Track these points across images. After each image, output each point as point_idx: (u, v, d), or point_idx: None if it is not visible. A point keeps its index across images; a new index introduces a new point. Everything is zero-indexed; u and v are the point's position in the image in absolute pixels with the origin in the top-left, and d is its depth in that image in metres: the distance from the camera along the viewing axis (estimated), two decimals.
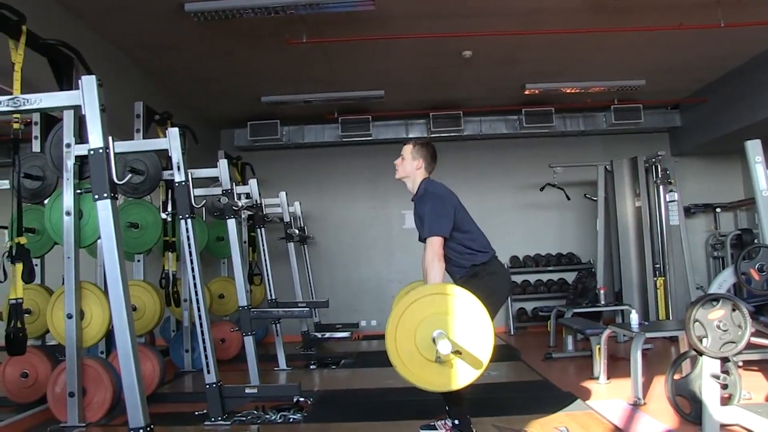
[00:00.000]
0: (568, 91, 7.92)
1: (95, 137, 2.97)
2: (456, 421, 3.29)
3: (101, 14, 5.33)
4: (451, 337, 2.80)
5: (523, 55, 6.86)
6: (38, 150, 4.82)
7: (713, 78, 7.98)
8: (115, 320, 2.89)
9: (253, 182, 6.43)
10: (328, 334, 8.07)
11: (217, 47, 6.25)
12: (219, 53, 6.43)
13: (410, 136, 9.15)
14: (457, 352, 2.78)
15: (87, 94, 3.02)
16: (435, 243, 3.36)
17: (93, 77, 3.05)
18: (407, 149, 3.69)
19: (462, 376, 2.85)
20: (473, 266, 3.49)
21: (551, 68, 7.36)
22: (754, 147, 3.56)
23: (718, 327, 3.35)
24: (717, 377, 3.38)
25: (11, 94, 3.42)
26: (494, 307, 3.26)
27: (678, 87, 8.36)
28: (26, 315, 4.30)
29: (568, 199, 8.79)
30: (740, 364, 4.90)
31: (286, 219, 7.65)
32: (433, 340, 2.77)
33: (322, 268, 9.37)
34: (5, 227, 4.09)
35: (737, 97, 7.58)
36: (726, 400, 3.58)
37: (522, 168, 9.48)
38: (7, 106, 3.08)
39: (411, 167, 3.65)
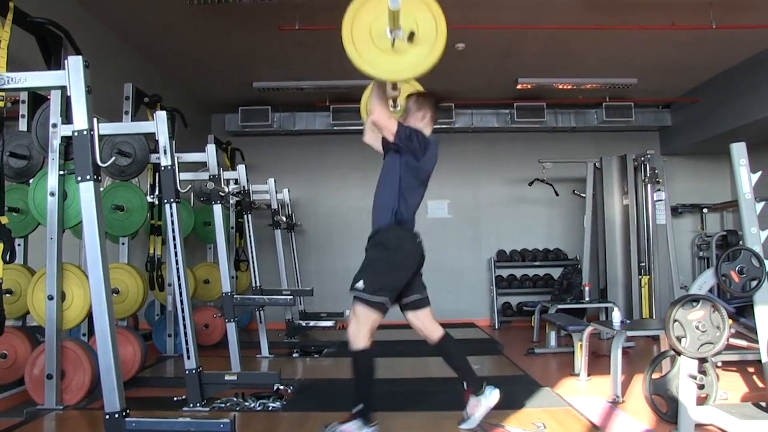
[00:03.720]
0: (561, 86, 7.93)
1: (80, 118, 2.95)
2: (361, 406, 3.29)
3: None
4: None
5: (517, 50, 6.87)
6: (25, 129, 4.77)
7: (705, 79, 8.03)
8: (94, 303, 2.88)
9: (241, 168, 6.40)
10: (312, 323, 8.05)
11: (211, 31, 6.21)
12: (212, 37, 6.39)
13: None
14: (412, 33, 2.88)
15: (73, 74, 3.00)
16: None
17: (79, 58, 3.03)
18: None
19: (413, 66, 2.97)
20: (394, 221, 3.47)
21: (544, 63, 7.35)
22: (738, 149, 3.57)
23: (697, 328, 3.37)
24: (694, 377, 3.41)
25: None
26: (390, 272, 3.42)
27: (670, 86, 8.39)
28: (7, 295, 4.28)
29: (557, 194, 8.84)
30: (719, 364, 4.96)
31: (274, 206, 7.62)
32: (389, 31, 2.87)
33: (309, 257, 9.36)
34: None
35: (728, 98, 7.62)
36: (702, 400, 3.62)
37: (512, 162, 9.49)
38: None
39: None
